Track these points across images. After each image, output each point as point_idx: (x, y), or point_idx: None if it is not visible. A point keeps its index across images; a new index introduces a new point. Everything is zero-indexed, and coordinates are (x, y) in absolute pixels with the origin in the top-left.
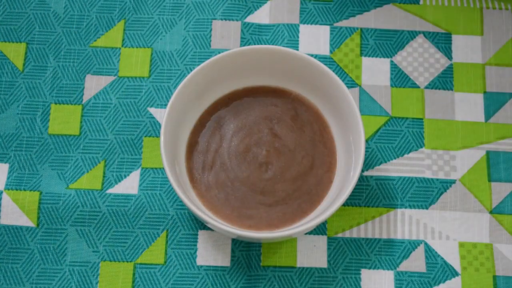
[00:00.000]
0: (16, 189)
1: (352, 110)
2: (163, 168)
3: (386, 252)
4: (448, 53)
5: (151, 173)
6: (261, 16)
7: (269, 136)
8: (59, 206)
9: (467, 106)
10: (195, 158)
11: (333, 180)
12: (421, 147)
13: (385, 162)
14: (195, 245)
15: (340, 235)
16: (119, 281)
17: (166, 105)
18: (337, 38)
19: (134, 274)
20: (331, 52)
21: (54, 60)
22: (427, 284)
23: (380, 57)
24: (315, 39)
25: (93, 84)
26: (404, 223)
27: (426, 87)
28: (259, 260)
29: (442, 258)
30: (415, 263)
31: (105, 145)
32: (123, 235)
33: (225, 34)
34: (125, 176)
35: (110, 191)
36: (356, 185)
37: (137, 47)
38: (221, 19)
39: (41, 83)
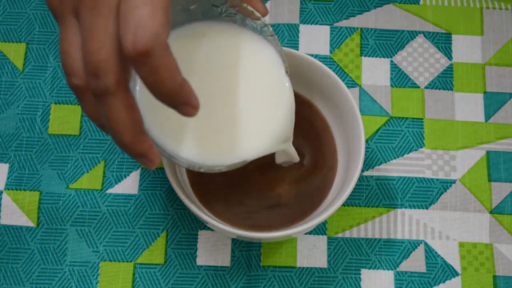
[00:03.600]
0: (16, 189)
1: (352, 110)
2: (163, 168)
3: (386, 252)
4: (448, 53)
5: (151, 173)
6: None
7: None
8: (59, 206)
9: (467, 106)
10: None
11: (333, 180)
12: (421, 147)
13: (385, 162)
14: (195, 245)
15: (340, 235)
16: (119, 281)
17: None
18: (337, 38)
19: (134, 274)
20: (331, 52)
21: (54, 60)
22: (427, 284)
23: (380, 57)
24: (315, 39)
25: None
26: (404, 223)
27: (426, 87)
28: (259, 260)
29: (442, 258)
30: (415, 263)
31: (105, 145)
32: (123, 235)
33: None
34: (125, 176)
35: (110, 191)
36: (356, 185)
37: None
38: None
39: (41, 83)
